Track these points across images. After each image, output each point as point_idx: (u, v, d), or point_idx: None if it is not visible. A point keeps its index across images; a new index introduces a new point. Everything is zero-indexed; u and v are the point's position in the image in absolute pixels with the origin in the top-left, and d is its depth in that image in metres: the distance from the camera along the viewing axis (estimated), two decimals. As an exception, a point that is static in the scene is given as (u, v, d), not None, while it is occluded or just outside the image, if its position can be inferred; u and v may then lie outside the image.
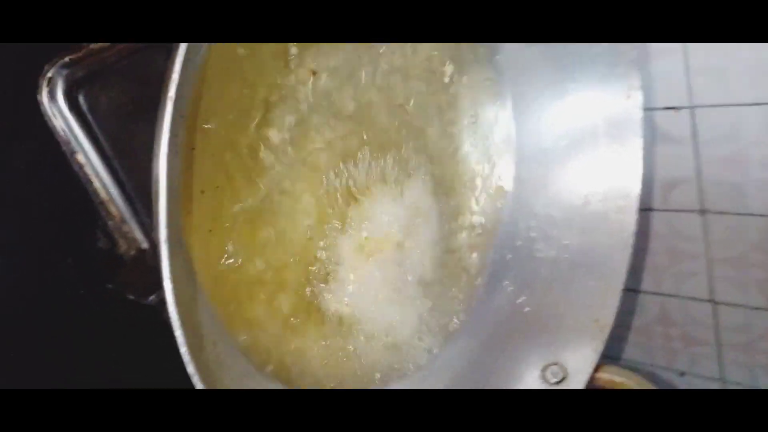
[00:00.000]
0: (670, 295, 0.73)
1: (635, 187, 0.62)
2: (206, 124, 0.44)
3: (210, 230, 0.43)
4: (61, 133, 0.46)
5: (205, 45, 0.40)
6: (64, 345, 0.49)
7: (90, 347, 0.49)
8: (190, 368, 0.32)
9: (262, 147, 0.49)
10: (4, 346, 0.46)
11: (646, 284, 0.74)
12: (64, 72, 0.46)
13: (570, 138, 0.66)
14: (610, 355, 0.81)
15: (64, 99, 0.46)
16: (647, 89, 0.64)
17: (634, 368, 0.77)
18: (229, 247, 0.47)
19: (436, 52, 0.62)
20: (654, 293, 0.74)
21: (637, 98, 0.61)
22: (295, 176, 0.51)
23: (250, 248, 0.48)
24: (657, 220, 0.70)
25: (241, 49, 0.45)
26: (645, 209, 0.70)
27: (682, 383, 0.75)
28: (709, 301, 0.70)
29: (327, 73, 0.53)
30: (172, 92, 0.29)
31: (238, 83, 0.46)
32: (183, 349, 0.31)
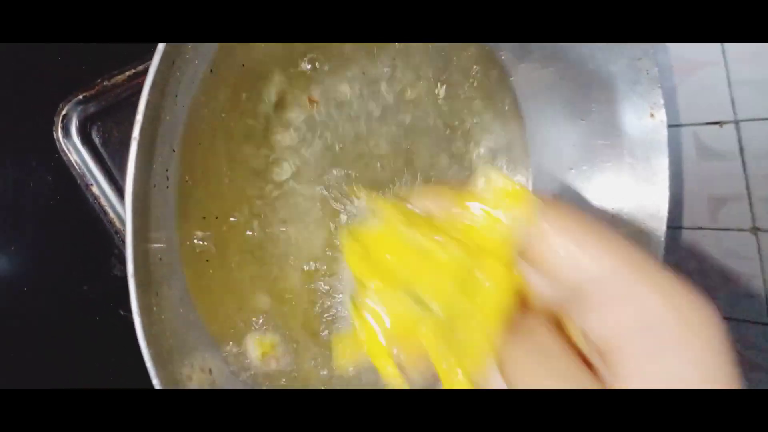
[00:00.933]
0: (725, 318, 0.69)
1: (663, 207, 0.60)
2: (206, 158, 0.45)
3: (207, 260, 0.44)
4: (76, 167, 0.49)
5: (194, 84, 0.41)
6: (80, 369, 0.51)
7: (103, 370, 0.51)
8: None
9: (262, 174, 0.49)
10: (23, 370, 0.48)
11: (700, 307, 0.71)
12: (78, 108, 0.48)
13: (593, 160, 0.65)
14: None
15: (78, 134, 0.48)
16: (689, 104, 0.63)
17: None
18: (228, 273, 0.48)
19: (445, 75, 0.62)
20: (708, 316, 0.70)
21: (661, 116, 0.59)
22: (299, 202, 0.52)
23: (246, 271, 0.49)
24: (707, 240, 0.68)
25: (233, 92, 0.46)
26: (695, 228, 0.68)
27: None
28: (769, 324, 0.66)
29: (330, 101, 0.53)
30: (136, 133, 0.30)
31: (237, 113, 0.47)
32: (152, 374, 0.32)
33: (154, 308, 0.35)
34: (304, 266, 0.52)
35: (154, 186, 0.38)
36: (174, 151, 0.40)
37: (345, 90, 0.54)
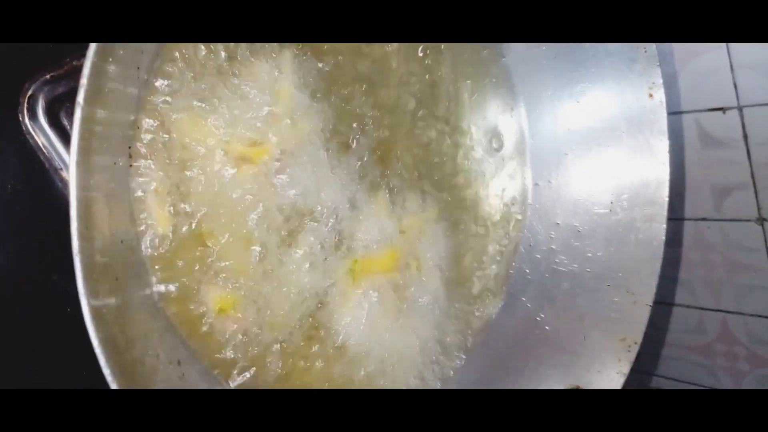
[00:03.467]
0: (731, 312, 0.68)
1: (663, 194, 0.58)
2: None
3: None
4: (44, 151, 0.47)
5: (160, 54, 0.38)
6: (50, 359, 0.49)
7: (75, 361, 0.49)
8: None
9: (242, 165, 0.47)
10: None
11: (705, 300, 0.69)
12: (45, 89, 0.46)
13: (590, 142, 0.63)
14: (670, 377, 0.77)
15: (45, 116, 0.46)
16: (690, 90, 0.61)
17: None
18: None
19: (437, 56, 0.60)
20: (714, 310, 0.69)
21: (660, 96, 0.57)
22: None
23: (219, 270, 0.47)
24: (712, 231, 0.66)
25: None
26: (699, 219, 0.66)
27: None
28: (776, 318, 0.63)
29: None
30: (80, 98, 0.28)
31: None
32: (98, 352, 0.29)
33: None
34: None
35: (115, 164, 0.35)
36: (138, 128, 0.38)
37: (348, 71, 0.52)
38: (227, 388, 0.46)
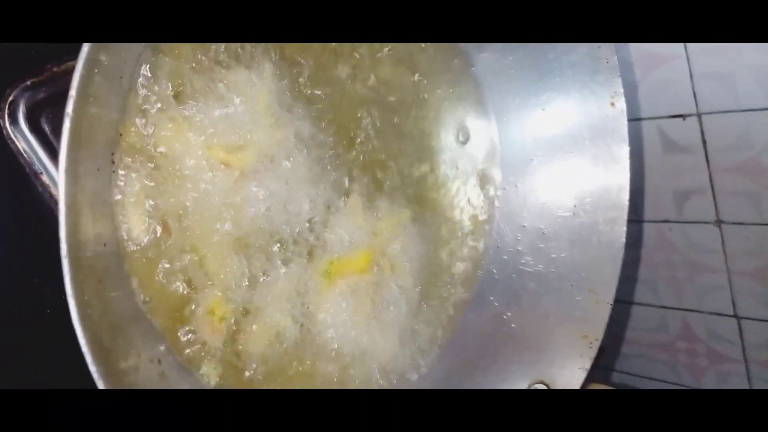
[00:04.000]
0: (692, 310, 0.70)
1: (624, 198, 0.60)
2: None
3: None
4: (25, 156, 0.47)
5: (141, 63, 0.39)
6: (30, 363, 0.49)
7: (58, 363, 0.49)
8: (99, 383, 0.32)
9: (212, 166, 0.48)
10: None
11: (667, 299, 0.72)
12: (26, 95, 0.47)
13: (554, 148, 0.64)
14: (633, 373, 0.79)
15: (26, 121, 0.47)
16: (652, 98, 0.63)
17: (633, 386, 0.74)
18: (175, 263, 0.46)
19: (409, 64, 0.61)
20: (675, 308, 0.71)
21: (621, 105, 0.59)
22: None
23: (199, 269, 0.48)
24: (674, 233, 0.68)
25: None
26: (660, 221, 0.68)
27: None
28: (733, 316, 0.66)
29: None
30: (69, 108, 0.29)
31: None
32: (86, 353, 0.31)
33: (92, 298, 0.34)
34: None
35: (98, 170, 0.37)
36: (121, 135, 0.39)
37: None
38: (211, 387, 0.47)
